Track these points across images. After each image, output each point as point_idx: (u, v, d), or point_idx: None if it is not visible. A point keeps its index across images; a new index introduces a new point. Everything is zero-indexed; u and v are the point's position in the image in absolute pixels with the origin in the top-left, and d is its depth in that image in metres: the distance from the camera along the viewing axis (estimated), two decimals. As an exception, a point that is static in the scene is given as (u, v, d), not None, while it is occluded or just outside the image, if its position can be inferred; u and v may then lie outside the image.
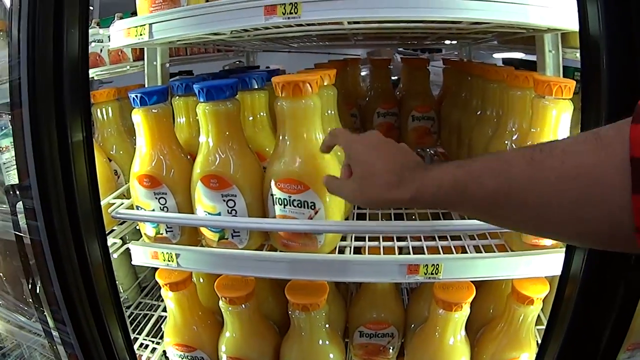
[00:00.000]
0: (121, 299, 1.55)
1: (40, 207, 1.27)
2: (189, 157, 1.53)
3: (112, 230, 1.80)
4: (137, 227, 1.72)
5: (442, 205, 0.92)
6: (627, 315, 1.12)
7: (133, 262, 1.57)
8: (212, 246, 1.52)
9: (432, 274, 1.34)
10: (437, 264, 1.34)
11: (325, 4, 1.19)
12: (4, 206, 1.52)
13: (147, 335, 2.16)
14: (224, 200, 1.41)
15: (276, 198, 1.38)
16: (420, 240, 1.51)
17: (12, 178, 1.79)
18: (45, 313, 1.49)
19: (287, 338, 1.69)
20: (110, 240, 1.63)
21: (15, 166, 1.32)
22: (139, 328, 2.23)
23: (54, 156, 1.26)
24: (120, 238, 1.79)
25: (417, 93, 2.33)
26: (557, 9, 1.20)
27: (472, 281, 1.53)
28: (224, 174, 1.38)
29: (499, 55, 3.15)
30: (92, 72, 2.23)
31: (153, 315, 2.32)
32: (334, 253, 1.47)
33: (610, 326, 1.14)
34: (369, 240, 1.51)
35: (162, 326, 2.10)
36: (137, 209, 1.54)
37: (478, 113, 1.86)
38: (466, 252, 1.44)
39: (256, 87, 1.62)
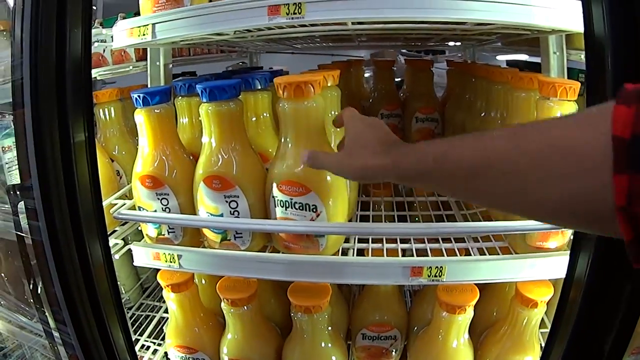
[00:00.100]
0: (123, 300, 1.55)
1: (42, 208, 1.26)
2: (191, 157, 1.53)
3: (114, 231, 1.79)
4: (139, 228, 1.72)
5: (421, 173, 0.92)
6: (631, 318, 1.11)
7: (135, 263, 1.56)
8: (215, 247, 1.51)
9: (435, 276, 1.34)
10: (441, 267, 1.33)
11: (329, 4, 1.19)
12: (6, 206, 1.51)
13: (149, 336, 2.16)
14: (227, 201, 1.40)
15: (278, 200, 1.37)
16: (424, 243, 1.49)
17: (14, 178, 1.78)
18: (46, 313, 1.48)
19: (289, 340, 1.68)
20: (112, 241, 1.62)
21: (17, 166, 1.32)
22: (141, 329, 2.23)
23: (55, 156, 1.25)
24: (122, 239, 1.78)
25: (420, 94, 2.32)
26: (562, 10, 1.20)
27: (475, 284, 1.52)
28: (226, 174, 1.38)
29: (502, 57, 3.15)
30: (95, 72, 2.23)
31: (155, 316, 2.32)
32: (337, 255, 1.46)
33: (614, 329, 1.13)
34: (372, 242, 1.50)
35: (163, 327, 2.10)
36: (139, 209, 1.54)
37: (482, 115, 1.86)
38: (470, 255, 1.43)
39: (259, 87, 1.61)
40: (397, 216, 1.83)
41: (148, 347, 2.09)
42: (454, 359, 1.59)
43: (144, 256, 1.54)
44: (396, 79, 2.58)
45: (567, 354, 1.23)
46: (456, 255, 1.42)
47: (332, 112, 1.53)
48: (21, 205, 1.35)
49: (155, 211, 1.51)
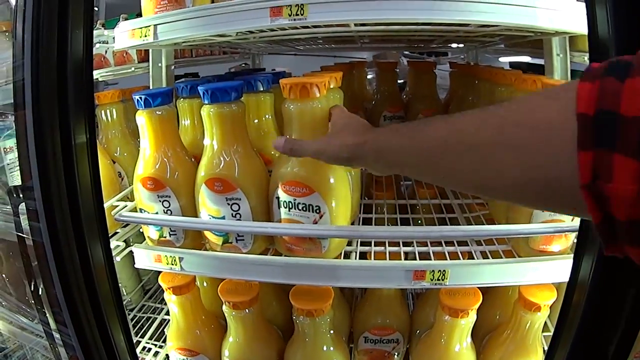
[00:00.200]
0: (124, 302, 1.55)
1: (43, 209, 1.26)
2: (193, 159, 1.52)
3: (115, 233, 1.79)
4: (141, 230, 1.71)
5: (395, 150, 0.94)
6: (635, 322, 1.11)
7: (136, 265, 1.56)
8: (216, 250, 1.50)
9: (438, 279, 1.33)
10: (444, 270, 1.33)
11: (332, 6, 1.18)
12: (7, 207, 1.51)
13: (150, 338, 2.15)
14: (229, 204, 1.40)
15: (281, 201, 1.36)
16: (426, 246, 1.49)
17: (16, 179, 1.78)
18: (47, 315, 1.48)
19: (291, 343, 1.67)
20: (113, 243, 1.62)
21: (18, 167, 1.31)
22: (142, 331, 2.22)
23: (57, 158, 1.25)
24: (124, 241, 1.78)
25: (423, 96, 2.32)
26: (566, 11, 1.20)
27: (478, 287, 1.52)
28: (228, 177, 1.37)
29: (505, 59, 3.15)
30: (97, 74, 2.23)
31: (156, 318, 2.32)
32: (339, 258, 1.45)
33: (618, 333, 1.13)
34: (374, 245, 1.49)
35: (165, 329, 2.09)
36: (141, 211, 1.53)
37: (485, 117, 1.85)
38: (473, 258, 1.42)
39: (262, 89, 1.60)
40: (399, 219, 1.83)
41: (149, 349, 2.09)
42: (457, 362, 1.59)
43: (145, 258, 1.53)
44: (399, 81, 2.58)
45: (570, 358, 1.22)
46: (459, 259, 1.42)
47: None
48: (22, 206, 1.34)
49: (157, 213, 1.50)
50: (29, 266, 1.46)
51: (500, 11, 1.16)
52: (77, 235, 1.31)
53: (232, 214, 1.41)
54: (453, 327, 1.53)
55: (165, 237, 1.54)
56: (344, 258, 1.46)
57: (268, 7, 1.22)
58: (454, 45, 3.02)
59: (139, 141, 1.50)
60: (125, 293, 2.38)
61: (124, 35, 1.50)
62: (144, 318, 2.37)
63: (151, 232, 1.56)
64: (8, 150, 1.98)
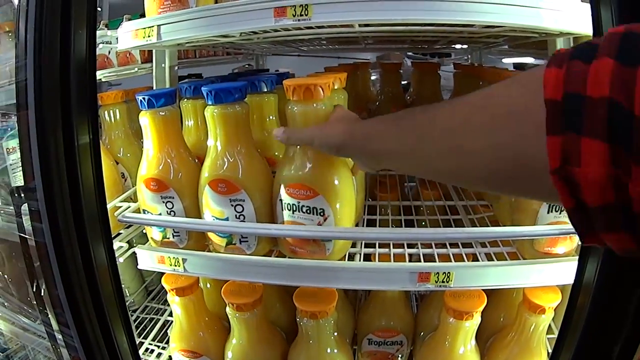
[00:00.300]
0: (127, 303, 1.55)
1: (46, 209, 1.25)
2: (196, 160, 1.52)
3: (119, 234, 1.78)
4: (144, 231, 1.71)
5: (376, 137, 0.99)
6: (640, 325, 1.10)
7: (139, 267, 1.55)
8: (220, 251, 1.50)
9: (443, 281, 1.32)
10: (449, 272, 1.32)
11: (337, 6, 1.17)
12: (10, 208, 1.51)
13: (153, 339, 2.15)
14: (232, 205, 1.39)
15: (285, 203, 1.35)
16: (431, 248, 1.48)
17: (19, 180, 1.78)
18: (49, 316, 1.48)
19: (294, 345, 1.67)
20: (116, 244, 1.61)
21: (21, 168, 1.31)
22: (145, 332, 2.22)
23: (59, 158, 1.24)
24: (127, 242, 1.77)
25: (428, 97, 2.32)
26: (570, 12, 1.19)
27: (482, 289, 1.51)
28: (232, 178, 1.37)
29: (508, 60, 3.15)
30: (100, 74, 2.23)
31: (159, 319, 2.31)
32: (343, 260, 1.44)
33: (623, 336, 1.12)
34: (379, 247, 1.49)
35: (168, 331, 2.09)
36: (144, 212, 1.53)
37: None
38: (477, 260, 1.41)
39: (265, 90, 1.60)
40: (404, 220, 1.83)
41: (152, 351, 2.08)
42: (461, 365, 1.58)
43: (148, 259, 1.53)
44: (402, 82, 2.58)
45: (575, 361, 1.22)
46: (463, 261, 1.41)
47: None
48: (25, 207, 1.34)
49: (160, 214, 1.50)
50: (31, 267, 1.46)
51: (505, 12, 1.15)
52: (79, 236, 1.31)
53: (235, 216, 1.41)
54: (457, 329, 1.52)
55: (168, 238, 1.54)
56: (348, 260, 1.45)
57: (272, 8, 1.22)
58: (458, 46, 3.02)
59: (143, 142, 1.50)
60: (128, 294, 2.37)
61: (127, 36, 1.49)
62: (147, 319, 2.36)
63: (154, 233, 1.56)
64: (11, 150, 1.98)
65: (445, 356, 1.57)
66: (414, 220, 1.83)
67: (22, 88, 1.21)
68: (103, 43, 2.18)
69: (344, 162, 1.33)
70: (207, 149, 1.42)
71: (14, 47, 1.24)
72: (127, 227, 1.84)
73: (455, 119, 0.77)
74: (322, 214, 1.32)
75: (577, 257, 1.22)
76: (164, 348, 2.07)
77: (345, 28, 1.40)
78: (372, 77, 2.88)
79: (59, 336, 1.46)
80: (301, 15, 1.20)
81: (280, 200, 1.36)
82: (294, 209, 1.34)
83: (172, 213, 1.49)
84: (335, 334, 1.61)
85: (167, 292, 1.69)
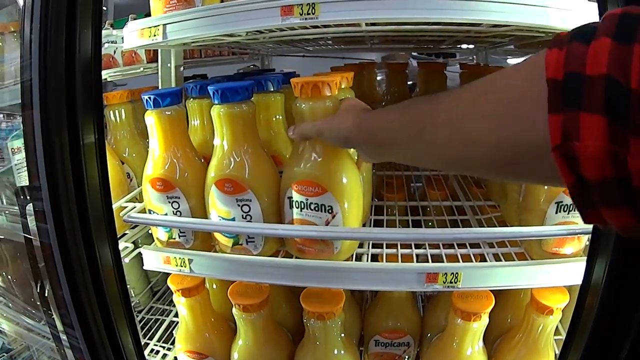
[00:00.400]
0: (132, 303, 1.54)
1: (51, 210, 1.25)
2: (202, 160, 1.51)
3: (124, 234, 1.78)
4: (150, 231, 1.70)
5: (382, 127, 1.01)
6: (649, 326, 1.09)
7: (145, 267, 1.54)
8: (226, 252, 1.49)
9: (451, 282, 1.32)
10: (457, 273, 1.31)
11: (344, 5, 1.17)
12: (14, 208, 1.50)
13: (158, 340, 2.14)
14: (239, 205, 1.39)
15: (293, 201, 1.35)
16: (438, 248, 1.48)
17: (24, 180, 1.78)
18: (54, 317, 1.47)
19: (301, 346, 1.66)
20: (121, 244, 1.61)
21: (26, 168, 1.31)
22: (150, 333, 2.21)
23: (65, 158, 1.24)
24: (132, 242, 1.77)
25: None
26: (578, 11, 1.18)
27: (490, 290, 1.50)
28: (238, 178, 1.36)
29: (513, 61, 3.15)
30: (105, 74, 2.23)
31: (165, 320, 2.31)
32: (350, 260, 1.44)
33: (631, 338, 1.11)
34: (386, 247, 1.48)
35: (173, 332, 2.08)
36: (150, 212, 1.52)
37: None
38: (485, 260, 1.41)
39: (272, 89, 1.59)
40: (411, 221, 1.82)
41: (157, 352, 2.07)
42: (469, 366, 1.57)
43: (154, 260, 1.52)
44: (408, 82, 2.58)
45: (583, 362, 1.21)
46: (471, 261, 1.40)
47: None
48: (30, 207, 1.33)
49: (166, 214, 1.49)
50: (36, 267, 1.45)
51: (513, 11, 1.15)
52: (85, 237, 1.31)
53: (242, 216, 1.40)
54: (465, 330, 1.51)
55: (174, 238, 1.53)
56: (356, 260, 1.44)
57: (279, 6, 1.21)
58: (464, 46, 3.01)
59: (148, 142, 1.49)
60: (133, 295, 2.38)
61: (133, 35, 1.49)
62: (152, 320, 2.36)
63: (160, 234, 1.55)
64: (16, 150, 1.98)
65: (452, 357, 1.56)
66: (421, 221, 1.82)
67: (27, 87, 1.21)
68: (108, 42, 2.18)
69: (351, 159, 1.33)
70: (214, 148, 1.41)
71: (19, 47, 1.24)
72: (133, 228, 1.84)
73: (459, 106, 0.78)
74: (330, 211, 1.31)
75: (585, 258, 1.20)
76: (169, 349, 2.07)
77: (352, 27, 1.39)
78: (378, 78, 2.87)
79: (63, 337, 1.46)
80: (308, 14, 1.19)
81: (289, 197, 1.36)
82: (302, 206, 1.33)
83: (178, 213, 1.48)
84: (342, 335, 1.60)
85: (172, 293, 1.68)
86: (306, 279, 1.41)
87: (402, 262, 1.40)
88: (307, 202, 1.32)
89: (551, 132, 0.59)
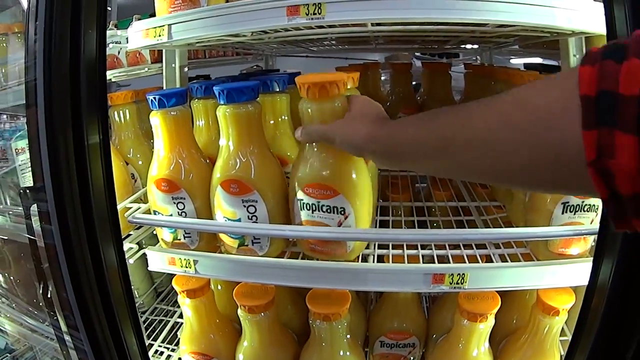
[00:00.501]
0: (136, 304, 1.54)
1: (55, 211, 1.25)
2: (208, 161, 1.51)
3: (129, 235, 1.78)
4: (154, 232, 1.70)
5: (405, 143, 0.98)
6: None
7: (149, 268, 1.54)
8: (232, 253, 1.49)
9: (457, 283, 1.31)
10: (463, 274, 1.31)
11: (350, 5, 1.17)
12: (18, 208, 1.50)
13: (163, 341, 2.14)
14: (245, 206, 1.38)
15: (304, 203, 1.33)
16: (444, 249, 1.47)
17: (28, 180, 1.78)
18: (58, 318, 1.47)
19: (306, 348, 1.65)
20: (126, 245, 1.60)
21: (30, 168, 1.30)
22: (155, 334, 2.21)
23: (69, 159, 1.24)
24: (137, 243, 1.76)
25: (439, 98, 2.32)
26: (584, 11, 1.19)
27: (496, 291, 1.50)
28: (244, 178, 1.35)
29: (516, 61, 3.15)
30: (110, 74, 2.22)
31: (169, 321, 2.30)
32: (357, 261, 1.43)
33: (638, 339, 1.11)
34: (392, 248, 1.48)
35: (178, 333, 2.08)
36: (155, 213, 1.52)
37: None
38: (491, 261, 1.41)
39: (277, 90, 1.59)
40: (416, 221, 1.82)
41: (162, 353, 2.07)
42: (474, 367, 1.57)
43: (159, 261, 1.52)
44: (412, 82, 2.58)
45: (589, 364, 1.21)
46: (477, 262, 1.40)
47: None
48: (34, 208, 1.33)
49: (171, 215, 1.49)
50: (40, 268, 1.45)
51: (519, 11, 1.16)
52: (89, 238, 1.30)
53: (248, 216, 1.40)
54: (471, 331, 1.51)
55: (179, 239, 1.53)
56: (362, 261, 1.44)
57: (285, 6, 1.21)
58: (468, 46, 3.01)
59: (153, 142, 1.49)
60: (137, 295, 2.37)
61: (137, 35, 1.48)
62: (157, 321, 2.36)
63: (165, 235, 1.55)
64: (20, 151, 1.98)
65: (458, 358, 1.56)
66: (427, 222, 1.82)
67: (32, 88, 1.21)
68: (113, 43, 2.18)
69: (361, 160, 1.31)
70: (219, 149, 1.41)
71: (23, 48, 1.24)
72: (138, 228, 1.83)
73: (490, 121, 0.77)
74: (342, 212, 1.30)
75: (591, 258, 1.20)
76: (173, 350, 2.06)
77: (358, 27, 1.39)
78: (382, 78, 2.87)
79: (67, 338, 1.45)
80: (314, 14, 1.19)
81: (299, 200, 1.34)
82: (314, 208, 1.33)
83: (183, 214, 1.48)
84: (348, 336, 1.60)
85: (177, 294, 1.68)
86: (312, 280, 1.41)
87: (408, 262, 1.40)
88: (318, 205, 1.31)
89: (586, 148, 0.61)
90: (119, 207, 1.46)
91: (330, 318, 1.50)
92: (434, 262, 1.41)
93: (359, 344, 1.76)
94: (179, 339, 1.84)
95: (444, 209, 1.90)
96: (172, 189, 1.44)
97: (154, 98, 1.39)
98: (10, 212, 2.00)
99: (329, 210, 1.31)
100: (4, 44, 2.21)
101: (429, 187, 2.13)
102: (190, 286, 1.63)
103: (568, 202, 1.33)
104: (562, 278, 1.34)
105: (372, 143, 1.05)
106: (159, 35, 1.41)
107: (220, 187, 1.38)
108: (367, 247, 1.47)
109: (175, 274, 1.61)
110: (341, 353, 1.59)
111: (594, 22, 1.18)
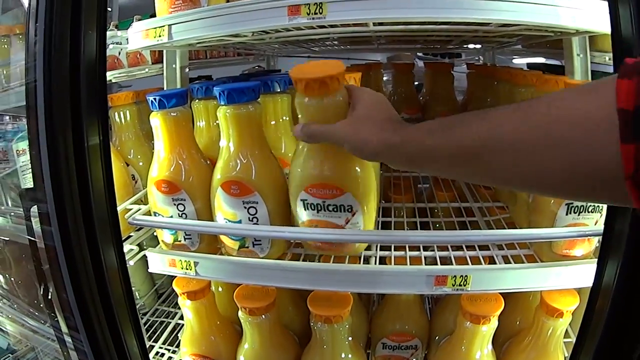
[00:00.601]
0: (137, 306, 1.53)
1: (55, 212, 1.24)
2: (208, 162, 1.50)
3: (129, 237, 1.77)
4: (155, 234, 1.70)
5: (425, 152, 0.93)
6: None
7: (150, 270, 1.54)
8: (232, 254, 1.48)
9: (460, 285, 1.31)
10: (466, 275, 1.30)
11: (352, 4, 1.16)
12: (18, 210, 1.50)
13: (164, 343, 2.14)
14: (245, 207, 1.38)
15: (308, 203, 1.31)
16: (447, 250, 1.46)
17: (29, 181, 1.77)
18: (58, 319, 1.46)
19: (308, 350, 1.65)
20: (126, 247, 1.60)
21: (30, 170, 1.30)
22: (155, 336, 2.21)
23: (69, 160, 1.23)
24: (137, 244, 1.76)
25: (441, 98, 2.32)
26: (588, 10, 1.18)
27: (499, 292, 1.49)
28: (245, 180, 1.35)
29: (519, 61, 3.15)
30: (110, 75, 2.22)
31: (170, 322, 2.30)
32: (358, 263, 1.43)
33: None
34: (394, 250, 1.47)
35: (179, 334, 2.08)
36: (155, 215, 1.51)
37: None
38: (494, 263, 1.39)
39: (278, 90, 1.58)
40: (419, 223, 1.81)
41: (162, 355, 2.07)
42: (477, 370, 1.56)
43: (159, 263, 1.51)
44: (414, 83, 2.58)
45: (593, 366, 1.20)
46: (480, 264, 1.39)
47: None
48: (34, 209, 1.33)
49: (172, 217, 1.48)
50: (40, 270, 1.45)
51: (522, 10, 1.15)
52: (89, 239, 1.30)
53: (249, 218, 1.39)
54: (474, 333, 1.51)
55: (179, 241, 1.52)
56: (364, 263, 1.43)
57: (286, 6, 1.20)
58: (470, 46, 3.01)
59: (153, 143, 1.48)
60: (138, 297, 2.37)
61: (137, 36, 1.48)
62: (157, 322, 2.36)
63: (165, 236, 1.54)
64: (21, 152, 1.98)
65: (461, 361, 1.56)
66: (429, 223, 1.81)
67: (32, 89, 1.21)
68: (113, 44, 2.18)
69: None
70: (220, 150, 1.40)
71: (24, 49, 1.23)
72: (138, 230, 1.83)
73: (524, 132, 0.76)
74: (350, 210, 1.29)
75: (595, 260, 1.20)
76: (174, 352, 2.06)
77: (359, 27, 1.38)
78: (385, 78, 2.87)
79: (68, 339, 1.45)
80: (316, 13, 1.18)
81: (302, 200, 1.32)
82: (319, 208, 1.30)
83: (183, 215, 1.47)
84: (350, 338, 1.59)
85: (177, 295, 1.67)
86: (313, 282, 1.40)
87: (410, 264, 1.39)
88: (324, 204, 1.29)
89: (624, 162, 0.62)
90: (120, 208, 1.46)
91: (331, 320, 1.50)
92: (436, 264, 1.40)
93: (361, 346, 1.75)
94: (180, 340, 1.84)
95: (446, 210, 1.89)
96: (172, 191, 1.44)
97: (154, 99, 1.38)
98: (12, 214, 1.99)
99: (335, 209, 1.29)
100: (6, 46, 2.21)
101: (432, 187, 2.13)
102: (191, 288, 1.63)
103: (572, 203, 1.32)
104: (566, 279, 1.33)
105: (386, 150, 0.99)
106: (159, 36, 1.40)
107: (221, 188, 1.37)
108: (369, 249, 1.46)
109: (175, 276, 1.60)
110: (343, 355, 1.58)
111: (599, 21, 1.18)
